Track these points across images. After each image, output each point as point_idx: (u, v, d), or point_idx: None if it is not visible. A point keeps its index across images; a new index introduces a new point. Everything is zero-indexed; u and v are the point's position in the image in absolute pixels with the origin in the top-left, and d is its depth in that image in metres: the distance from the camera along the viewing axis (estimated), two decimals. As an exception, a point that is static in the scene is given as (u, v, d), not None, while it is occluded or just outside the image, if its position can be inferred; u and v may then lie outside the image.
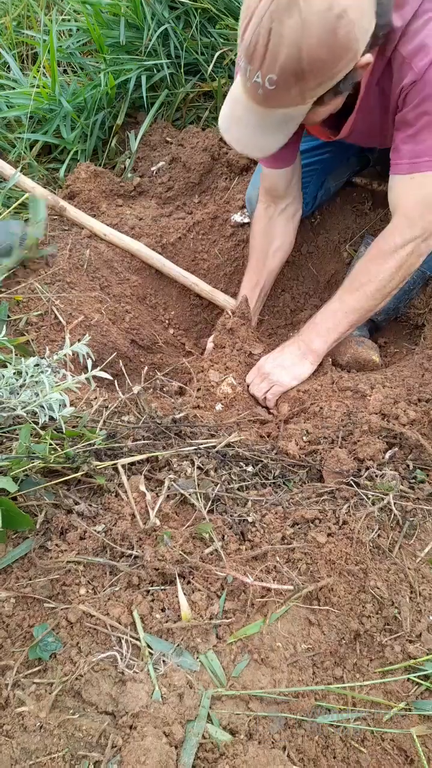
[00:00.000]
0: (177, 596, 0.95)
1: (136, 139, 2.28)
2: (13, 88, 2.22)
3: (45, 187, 2.01)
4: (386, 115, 1.33)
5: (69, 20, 2.43)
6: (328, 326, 1.50)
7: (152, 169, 2.25)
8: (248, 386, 1.58)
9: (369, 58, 1.14)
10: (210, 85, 2.33)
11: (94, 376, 1.09)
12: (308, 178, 1.73)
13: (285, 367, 1.53)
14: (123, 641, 0.89)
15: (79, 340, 1.13)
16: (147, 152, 2.31)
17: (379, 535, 1.05)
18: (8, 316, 1.54)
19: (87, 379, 1.05)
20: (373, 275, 1.43)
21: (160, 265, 1.95)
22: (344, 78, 1.13)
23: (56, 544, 1.00)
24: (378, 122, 1.36)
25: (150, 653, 0.88)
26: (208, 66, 2.27)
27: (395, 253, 1.39)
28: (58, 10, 2.43)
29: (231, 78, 2.32)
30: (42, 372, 0.99)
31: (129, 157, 2.29)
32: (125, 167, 2.28)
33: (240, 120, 1.20)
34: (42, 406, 0.97)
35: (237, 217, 1.99)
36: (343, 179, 1.90)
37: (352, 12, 1.03)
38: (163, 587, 0.96)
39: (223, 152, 2.20)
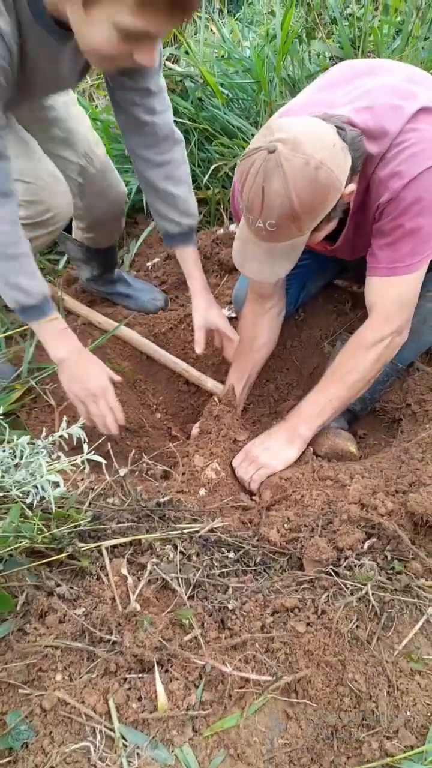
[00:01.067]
0: (154, 685, 0.94)
1: (137, 242, 2.46)
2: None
3: (45, 278, 2.14)
4: (364, 228, 1.49)
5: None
6: (312, 413, 1.60)
7: (148, 264, 2.42)
8: (234, 470, 1.63)
9: (352, 187, 1.34)
10: (205, 194, 2.56)
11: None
12: (291, 281, 1.88)
13: (272, 451, 1.60)
14: (97, 731, 0.88)
15: (69, 423, 1.19)
16: (144, 249, 2.49)
17: (357, 626, 1.07)
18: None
19: (81, 461, 1.09)
20: (354, 367, 1.55)
21: (152, 351, 2.05)
22: (334, 207, 1.32)
23: (35, 627, 1.00)
24: (358, 234, 1.52)
25: (124, 745, 0.87)
26: (204, 177, 2.50)
27: (373, 347, 1.52)
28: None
29: (225, 188, 2.56)
30: (38, 453, 1.04)
31: (127, 253, 2.46)
32: (122, 262, 2.44)
33: (253, 255, 1.40)
34: (36, 487, 1.01)
35: (225, 312, 2.12)
36: (322, 282, 2.06)
37: (327, 161, 1.24)
38: (140, 675, 0.96)
39: (215, 252, 2.38)
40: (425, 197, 1.33)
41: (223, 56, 2.89)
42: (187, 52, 2.70)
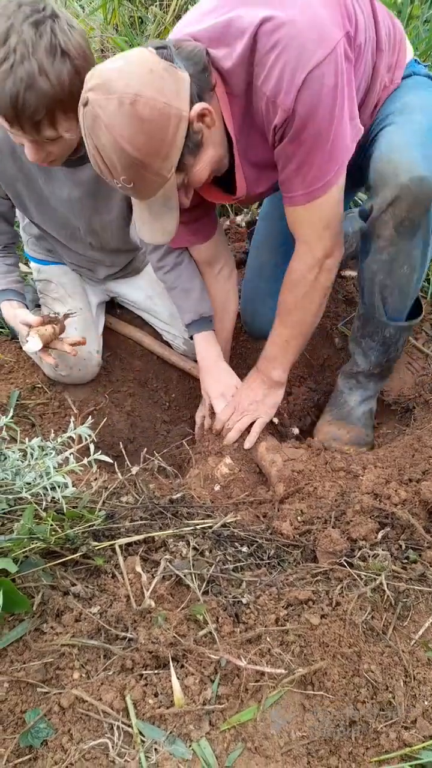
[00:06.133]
0: (170, 680, 0.94)
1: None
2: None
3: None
4: (259, 154, 1.35)
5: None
6: (277, 355, 1.61)
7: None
8: (221, 425, 1.66)
9: (202, 105, 1.20)
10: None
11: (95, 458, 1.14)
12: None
13: (260, 401, 1.64)
14: (115, 728, 0.89)
15: (82, 423, 1.20)
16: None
17: (372, 617, 1.06)
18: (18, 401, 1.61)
19: (89, 462, 1.10)
20: (292, 305, 1.51)
21: (161, 350, 2.05)
22: (188, 135, 1.19)
23: (51, 627, 1.01)
24: (256, 167, 1.38)
25: (142, 740, 0.87)
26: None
27: (303, 279, 1.45)
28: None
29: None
30: (46, 454, 1.05)
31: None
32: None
33: (141, 220, 1.33)
34: (45, 488, 1.02)
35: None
36: None
37: (145, 91, 1.10)
38: (156, 671, 0.96)
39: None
40: (319, 101, 1.18)
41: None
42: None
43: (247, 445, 1.62)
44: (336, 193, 1.33)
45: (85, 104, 1.12)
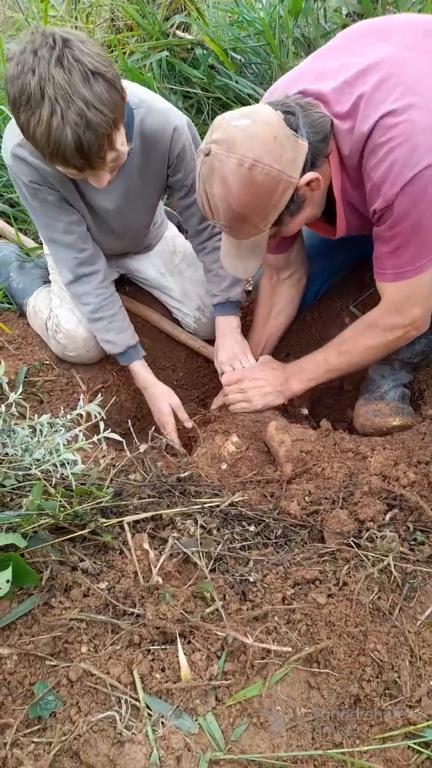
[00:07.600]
0: (177, 656, 0.95)
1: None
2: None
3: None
4: (363, 211, 1.40)
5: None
6: (310, 376, 1.64)
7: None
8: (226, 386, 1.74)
9: (312, 175, 1.27)
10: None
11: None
12: (317, 273, 1.85)
13: (262, 393, 1.68)
14: (122, 701, 0.90)
15: (91, 401, 1.20)
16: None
17: (379, 597, 1.06)
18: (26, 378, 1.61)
19: (98, 439, 1.10)
20: (360, 346, 1.52)
21: (170, 329, 2.04)
22: (292, 199, 1.28)
23: (60, 601, 1.02)
24: (359, 216, 1.43)
25: (149, 714, 0.89)
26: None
27: (385, 333, 1.47)
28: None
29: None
30: (56, 431, 1.05)
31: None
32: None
33: (227, 251, 1.43)
34: (55, 465, 1.02)
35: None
36: (345, 273, 2.00)
37: (264, 158, 1.19)
38: (163, 646, 0.97)
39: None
40: (422, 200, 1.23)
41: (236, 20, 2.80)
42: (197, 19, 2.62)
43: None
44: (428, 276, 1.35)
45: (207, 154, 1.22)
